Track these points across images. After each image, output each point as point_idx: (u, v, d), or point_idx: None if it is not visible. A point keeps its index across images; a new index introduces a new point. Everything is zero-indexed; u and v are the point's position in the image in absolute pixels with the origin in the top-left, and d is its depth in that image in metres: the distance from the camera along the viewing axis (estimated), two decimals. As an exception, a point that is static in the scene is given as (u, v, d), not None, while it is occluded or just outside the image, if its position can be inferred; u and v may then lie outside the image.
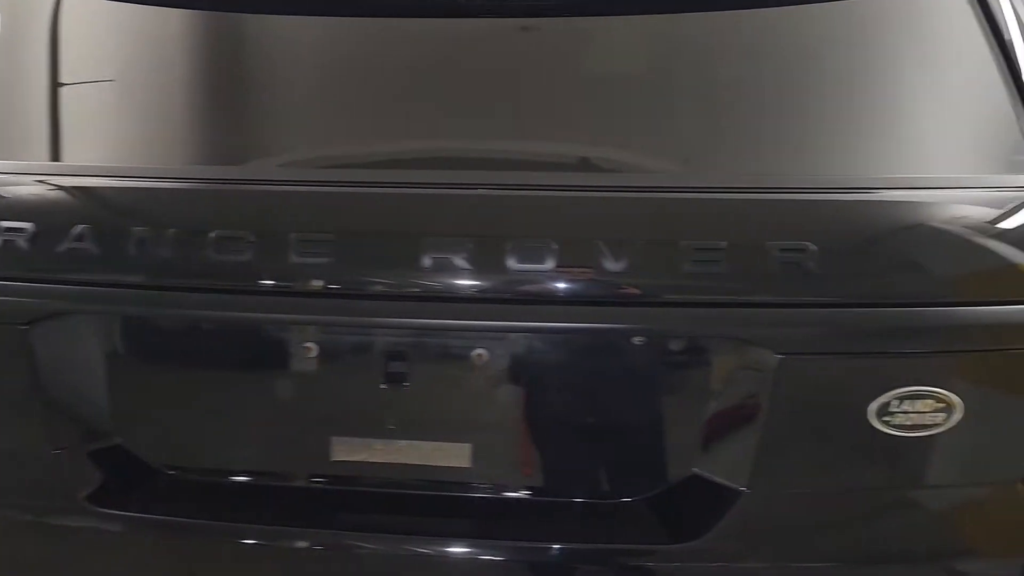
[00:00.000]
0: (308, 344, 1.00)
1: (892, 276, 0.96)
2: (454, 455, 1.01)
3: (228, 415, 1.07)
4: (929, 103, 1.10)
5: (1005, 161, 1.07)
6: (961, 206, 0.98)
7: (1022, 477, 1.00)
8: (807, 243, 0.93)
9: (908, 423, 0.95)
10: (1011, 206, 0.98)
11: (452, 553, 1.01)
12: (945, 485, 1.00)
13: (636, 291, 0.94)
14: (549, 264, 0.92)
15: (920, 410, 0.95)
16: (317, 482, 1.07)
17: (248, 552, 1.04)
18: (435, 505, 1.05)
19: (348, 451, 1.03)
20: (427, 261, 0.93)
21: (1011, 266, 0.97)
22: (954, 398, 0.95)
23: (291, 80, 1.19)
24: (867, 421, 0.95)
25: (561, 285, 0.94)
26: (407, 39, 1.16)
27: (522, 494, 1.03)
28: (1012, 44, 1.07)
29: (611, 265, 0.92)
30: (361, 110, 1.14)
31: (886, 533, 0.99)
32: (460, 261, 0.92)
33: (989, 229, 0.97)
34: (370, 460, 1.03)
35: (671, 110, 1.11)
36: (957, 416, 0.96)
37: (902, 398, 0.95)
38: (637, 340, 0.97)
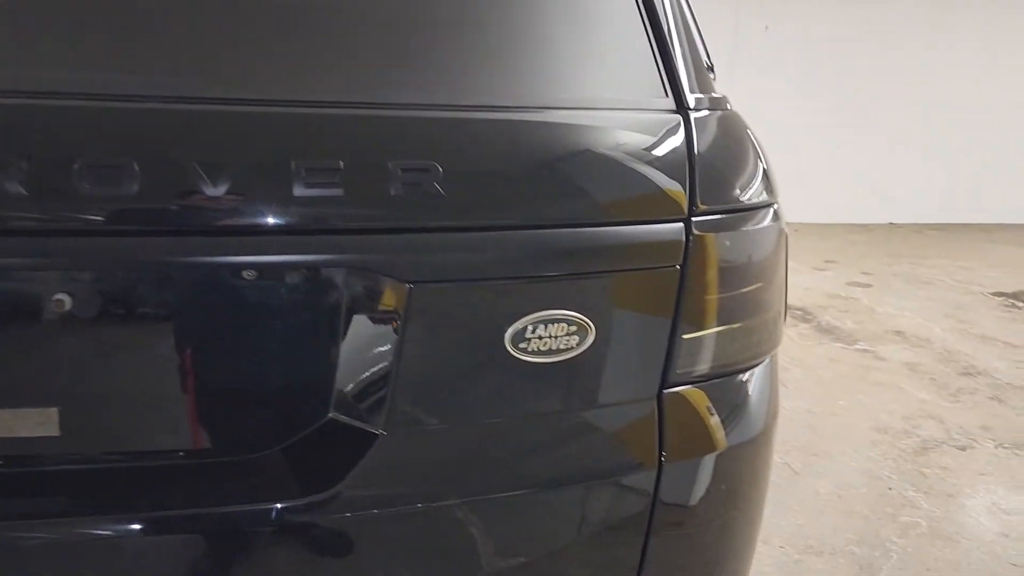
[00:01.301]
0: None
1: (520, 198, 0.92)
2: (37, 422, 0.85)
3: None
4: (572, 37, 1.08)
5: (634, 89, 1.07)
6: (588, 128, 0.97)
7: (656, 394, 1.02)
8: (432, 163, 0.86)
9: (544, 348, 0.93)
10: (639, 129, 0.99)
11: (45, 537, 0.86)
12: (584, 408, 1.00)
13: (240, 219, 0.82)
14: (129, 188, 0.78)
15: (555, 334, 0.93)
16: None
17: None
18: (24, 482, 0.88)
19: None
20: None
21: (639, 187, 0.97)
22: (586, 321, 0.95)
23: None
24: (504, 349, 0.92)
25: (149, 212, 0.80)
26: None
27: (126, 461, 0.89)
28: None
29: (210, 190, 0.80)
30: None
31: (532, 461, 0.98)
32: None
33: (615, 151, 0.96)
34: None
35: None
36: (591, 339, 0.95)
37: (536, 323, 0.93)
38: (248, 275, 0.86)
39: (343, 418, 0.91)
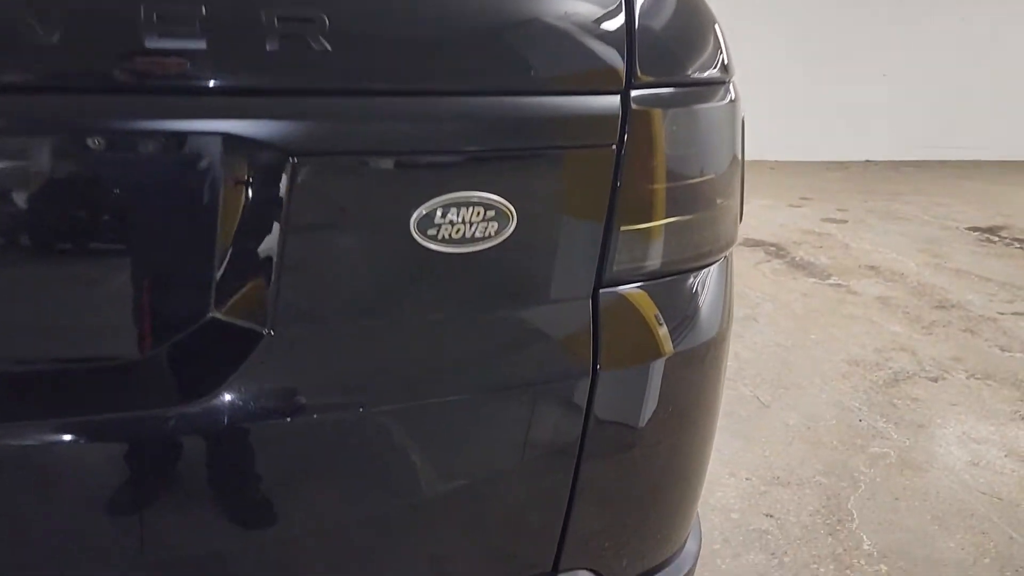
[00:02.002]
0: None
1: (425, 60, 0.78)
2: None
3: None
4: None
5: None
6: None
7: (590, 294, 0.90)
8: (317, 12, 0.72)
9: (457, 236, 0.81)
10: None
11: None
12: (505, 307, 0.87)
13: (80, 73, 0.68)
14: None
15: (469, 220, 0.81)
16: None
17: None
18: None
19: None
20: None
21: (568, 51, 0.83)
22: (507, 205, 0.82)
23: None
24: (410, 236, 0.79)
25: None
26: None
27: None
28: None
29: (42, 38, 0.66)
30: None
31: (443, 367, 0.86)
32: None
33: (540, 8, 0.83)
34: None
35: None
36: (512, 227, 0.83)
37: (447, 207, 0.80)
38: (95, 144, 0.71)
39: (224, 317, 0.78)
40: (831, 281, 4.67)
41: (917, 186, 7.57)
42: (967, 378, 3.39)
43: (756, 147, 8.25)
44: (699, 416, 1.05)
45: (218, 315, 0.78)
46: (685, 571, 1.13)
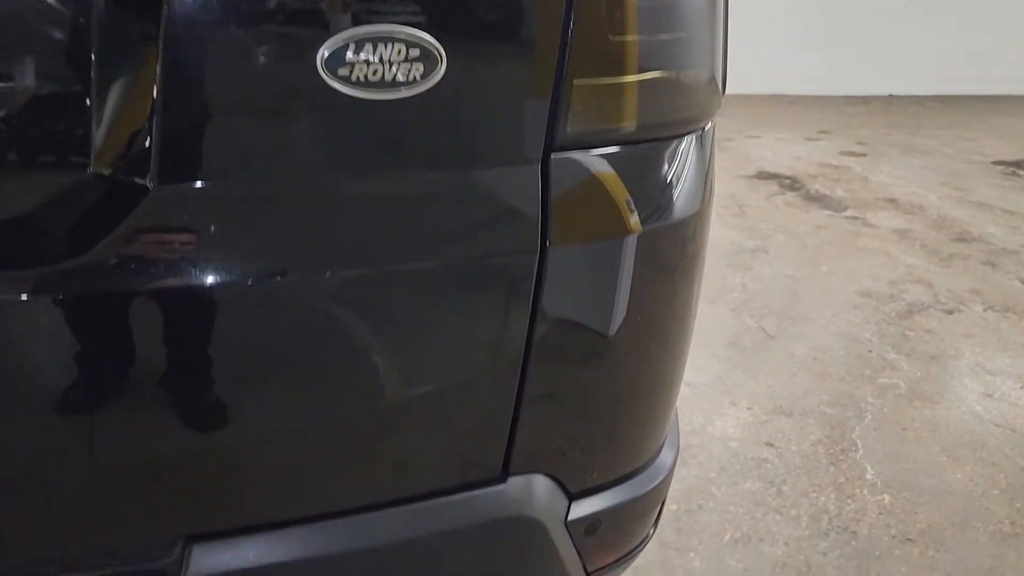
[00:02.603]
0: None
1: None
2: None
3: None
4: None
5: None
6: None
7: (540, 158, 0.78)
8: None
9: (374, 79, 0.69)
10: None
11: None
12: (434, 167, 0.75)
13: None
14: None
15: (389, 59, 0.68)
16: None
17: None
18: None
19: None
20: None
21: None
22: (435, 45, 0.70)
23: None
24: (318, 76, 0.67)
25: None
26: None
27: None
28: None
29: None
30: None
31: (361, 234, 0.74)
32: None
33: None
34: None
35: None
36: (441, 71, 0.70)
37: (362, 42, 0.67)
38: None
39: (105, 171, 0.67)
40: (847, 214, 4.51)
41: (942, 120, 7.30)
42: (984, 310, 3.25)
43: (773, 81, 7.99)
44: (672, 309, 0.93)
45: (99, 169, 0.67)
46: (657, 482, 1.03)
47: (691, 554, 1.90)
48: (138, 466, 0.74)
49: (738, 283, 3.51)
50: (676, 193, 0.88)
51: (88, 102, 0.66)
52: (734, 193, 4.82)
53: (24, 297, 0.67)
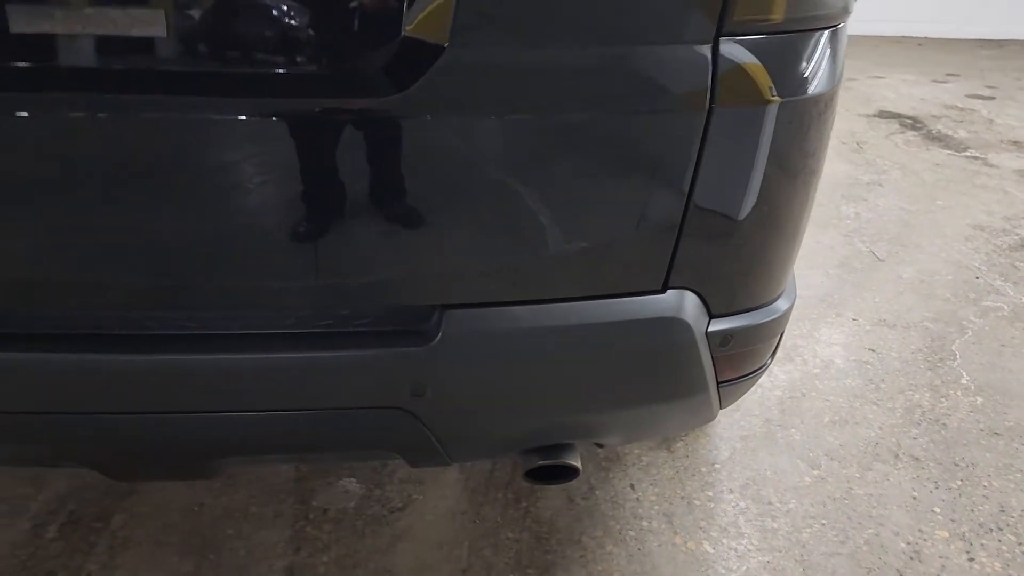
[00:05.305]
0: None
1: None
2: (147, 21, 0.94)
3: None
4: None
5: None
6: None
7: (712, 39, 1.04)
8: None
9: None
10: None
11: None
12: (623, 44, 1.03)
13: None
14: None
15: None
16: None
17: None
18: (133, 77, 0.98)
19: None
20: None
21: None
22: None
23: None
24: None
25: None
26: None
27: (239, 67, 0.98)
28: None
29: None
30: None
31: (579, 85, 1.02)
32: None
33: None
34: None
35: None
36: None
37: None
38: None
39: (413, 34, 0.97)
40: (967, 154, 4.52)
41: (1081, 68, 7.02)
42: (1100, 248, 3.31)
43: (903, 22, 7.80)
44: (803, 169, 1.19)
45: (412, 35, 0.98)
46: (775, 316, 1.30)
47: (792, 430, 2.16)
48: (418, 248, 1.07)
49: (852, 212, 3.65)
50: (813, 75, 1.13)
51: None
52: (854, 130, 4.88)
53: (358, 122, 1.00)
